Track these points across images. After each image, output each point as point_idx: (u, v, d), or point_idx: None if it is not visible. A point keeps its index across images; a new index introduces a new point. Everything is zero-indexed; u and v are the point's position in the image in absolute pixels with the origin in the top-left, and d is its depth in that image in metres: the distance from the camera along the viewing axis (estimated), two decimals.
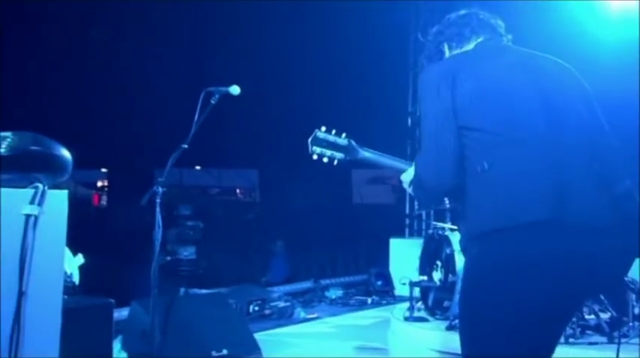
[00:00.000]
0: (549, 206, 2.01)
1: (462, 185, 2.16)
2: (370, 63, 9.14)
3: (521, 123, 2.11)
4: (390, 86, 9.33)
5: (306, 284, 8.23)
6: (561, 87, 2.23)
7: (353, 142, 2.56)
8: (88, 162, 11.80)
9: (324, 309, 7.39)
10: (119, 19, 8.44)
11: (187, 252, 6.71)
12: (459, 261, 5.45)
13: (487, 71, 2.20)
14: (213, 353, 4.62)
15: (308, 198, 11.01)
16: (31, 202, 2.63)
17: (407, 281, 6.36)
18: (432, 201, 2.45)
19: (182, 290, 6.23)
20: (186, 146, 4.17)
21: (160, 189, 4.08)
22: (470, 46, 2.41)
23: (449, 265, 5.89)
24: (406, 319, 6.01)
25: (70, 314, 2.99)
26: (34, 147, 2.76)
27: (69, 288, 3.74)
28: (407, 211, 9.42)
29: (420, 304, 6.22)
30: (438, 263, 6.16)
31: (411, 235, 9.34)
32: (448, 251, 5.92)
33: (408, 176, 2.45)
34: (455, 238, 5.65)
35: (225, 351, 4.67)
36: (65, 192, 2.81)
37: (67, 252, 3.76)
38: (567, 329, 4.64)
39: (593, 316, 5.00)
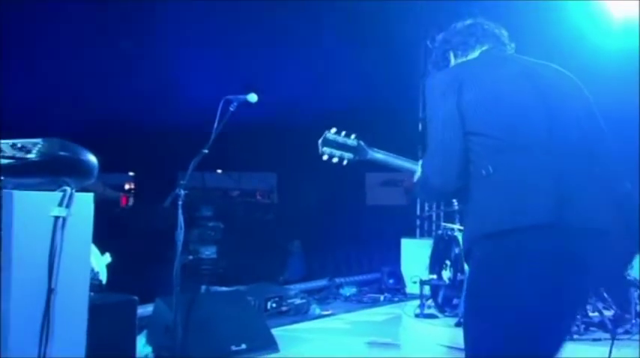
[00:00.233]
0: (551, 209, 2.04)
1: (466, 187, 2.20)
2: (382, 70, 9.24)
3: (524, 129, 2.15)
4: (401, 93, 9.43)
5: (322, 282, 8.22)
6: (562, 94, 2.27)
7: (362, 143, 2.59)
8: (117, 166, 11.94)
9: (338, 306, 7.39)
10: (147, 26, 8.57)
11: (208, 252, 6.74)
12: None
13: (491, 79, 2.25)
14: (233, 348, 4.71)
15: (324, 200, 11.05)
16: (60, 204, 2.73)
17: (417, 280, 6.48)
18: (437, 201, 2.57)
19: (203, 287, 6.26)
20: (206, 151, 4.22)
21: (182, 192, 4.14)
22: (474, 54, 2.46)
23: (457, 264, 5.98)
24: (417, 316, 6.16)
25: (96, 310, 3.07)
26: (62, 153, 2.84)
27: (95, 286, 3.75)
28: (418, 213, 9.40)
29: (430, 301, 6.33)
30: (447, 262, 6.25)
31: (422, 236, 9.30)
32: (457, 251, 6.01)
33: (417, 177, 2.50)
34: None
35: (243, 346, 4.77)
36: (91, 194, 2.91)
37: (95, 250, 3.81)
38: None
39: (596, 313, 5.07)
